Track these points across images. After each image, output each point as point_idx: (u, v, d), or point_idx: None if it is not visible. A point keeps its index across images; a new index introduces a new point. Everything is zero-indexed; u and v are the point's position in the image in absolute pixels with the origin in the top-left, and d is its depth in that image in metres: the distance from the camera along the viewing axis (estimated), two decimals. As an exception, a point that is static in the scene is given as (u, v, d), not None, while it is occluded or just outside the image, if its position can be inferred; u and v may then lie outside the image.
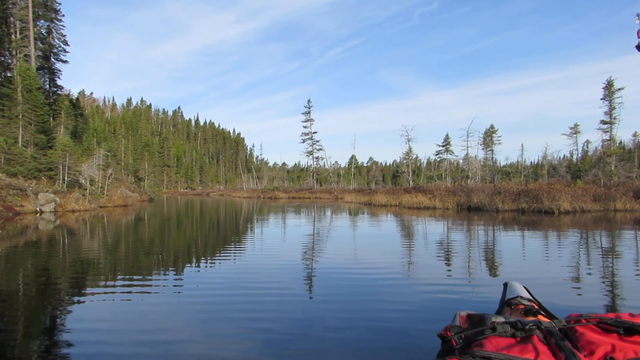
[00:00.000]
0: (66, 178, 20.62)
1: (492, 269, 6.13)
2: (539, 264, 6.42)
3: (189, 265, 6.59)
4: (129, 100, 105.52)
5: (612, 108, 29.31)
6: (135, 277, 5.68)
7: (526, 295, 1.73)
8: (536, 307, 1.58)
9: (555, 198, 17.07)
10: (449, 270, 5.98)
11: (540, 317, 1.45)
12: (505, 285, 1.88)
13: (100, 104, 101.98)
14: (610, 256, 7.17)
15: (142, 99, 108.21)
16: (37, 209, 17.80)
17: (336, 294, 4.67)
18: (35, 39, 30.48)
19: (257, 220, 16.08)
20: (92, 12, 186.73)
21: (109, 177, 36.20)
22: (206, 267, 6.38)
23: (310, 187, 50.66)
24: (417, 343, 3.13)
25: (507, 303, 1.69)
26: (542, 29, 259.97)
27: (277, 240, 10.10)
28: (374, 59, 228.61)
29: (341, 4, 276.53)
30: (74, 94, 50.69)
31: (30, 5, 25.76)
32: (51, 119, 28.90)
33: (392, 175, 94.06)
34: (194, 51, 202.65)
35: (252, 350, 2.99)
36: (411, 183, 40.15)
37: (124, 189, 33.30)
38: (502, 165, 53.01)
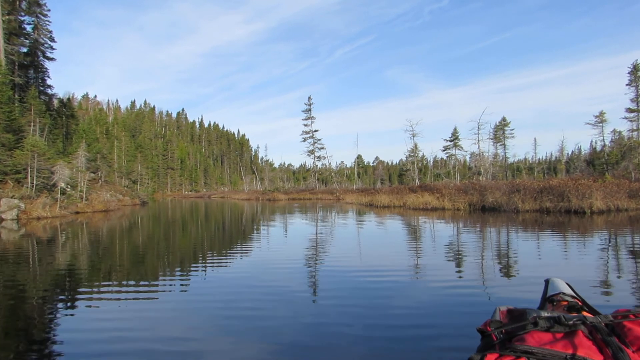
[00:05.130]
0: (35, 181, 18.78)
1: (519, 271, 5.55)
2: (577, 268, 5.66)
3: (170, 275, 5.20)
4: (133, 103, 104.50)
5: (638, 94, 26.57)
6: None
7: (569, 291, 1.63)
8: (580, 303, 1.49)
9: (585, 195, 14.63)
10: (475, 272, 5.44)
11: (585, 314, 1.35)
12: (547, 281, 1.77)
13: (105, 107, 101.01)
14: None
15: (145, 101, 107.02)
16: (-3, 216, 15.97)
17: (348, 295, 4.40)
18: (15, 34, 28.95)
19: (246, 224, 14.00)
20: (100, 14, 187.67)
21: (98, 180, 34.65)
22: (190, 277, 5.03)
23: (312, 188, 48.52)
24: (446, 344, 2.87)
25: (549, 300, 1.62)
26: (551, 25, 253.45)
27: (279, 242, 9.70)
28: (382, 57, 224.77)
29: (350, 2, 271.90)
30: (77, 96, 49.30)
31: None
32: (39, 119, 27.33)
33: (398, 174, 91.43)
34: (202, 53, 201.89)
35: (263, 352, 2.83)
36: (417, 181, 37.73)
37: (113, 192, 31.55)
38: (510, 162, 50.14)
